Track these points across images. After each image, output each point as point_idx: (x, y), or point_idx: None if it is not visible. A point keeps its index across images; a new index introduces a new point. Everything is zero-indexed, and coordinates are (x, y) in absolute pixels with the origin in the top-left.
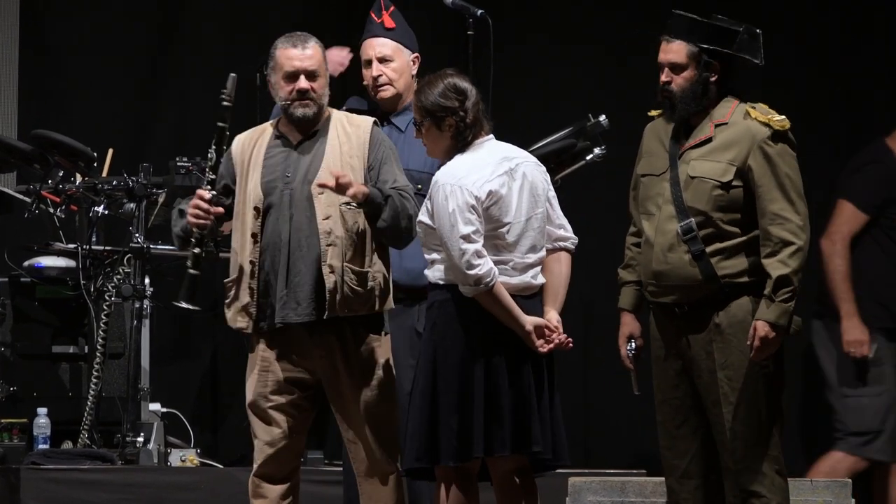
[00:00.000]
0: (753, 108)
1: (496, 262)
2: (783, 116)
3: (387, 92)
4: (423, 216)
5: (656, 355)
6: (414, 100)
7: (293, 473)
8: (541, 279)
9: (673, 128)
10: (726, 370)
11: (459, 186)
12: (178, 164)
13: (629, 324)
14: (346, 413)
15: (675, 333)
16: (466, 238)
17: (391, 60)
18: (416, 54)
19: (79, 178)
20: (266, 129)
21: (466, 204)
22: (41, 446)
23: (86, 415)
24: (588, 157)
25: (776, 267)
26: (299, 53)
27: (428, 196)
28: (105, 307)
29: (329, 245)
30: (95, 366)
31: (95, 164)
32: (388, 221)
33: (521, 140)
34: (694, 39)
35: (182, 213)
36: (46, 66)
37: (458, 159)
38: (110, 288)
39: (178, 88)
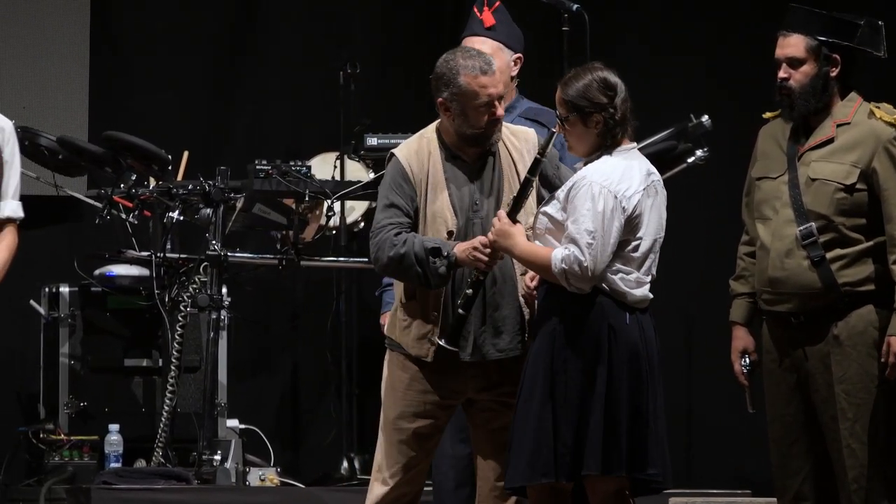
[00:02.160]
0: (878, 107)
1: (620, 271)
2: None
3: None
4: (549, 209)
5: (769, 369)
6: (558, 93)
7: (418, 497)
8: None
9: (791, 127)
10: (844, 384)
11: (609, 191)
12: (257, 167)
13: (742, 338)
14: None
15: (791, 345)
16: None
17: None
18: (519, 55)
19: (152, 183)
20: (430, 142)
21: (615, 210)
22: (113, 465)
23: (160, 431)
24: (690, 160)
25: None
26: (490, 80)
27: (564, 190)
28: (180, 318)
29: (522, 275)
30: (170, 380)
31: (170, 168)
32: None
33: None
34: (813, 32)
35: (436, 252)
36: (118, 66)
37: (609, 162)
38: (185, 298)
39: (255, 88)
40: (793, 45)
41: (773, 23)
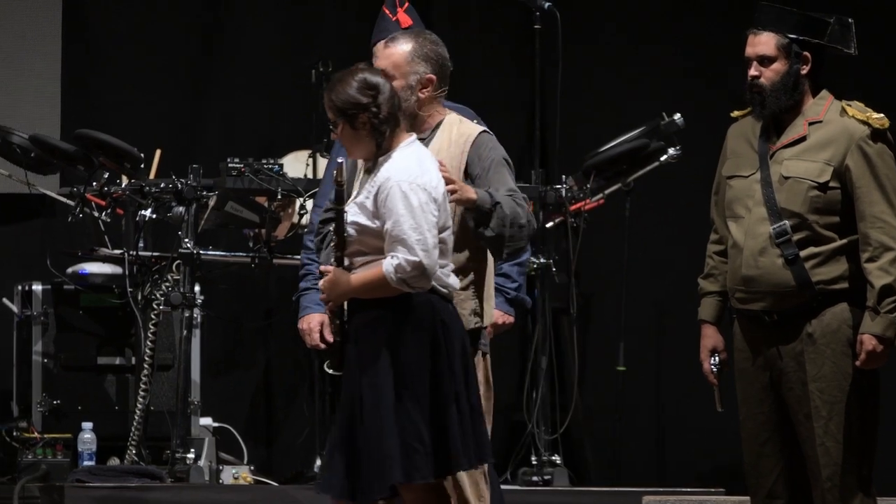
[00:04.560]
0: (850, 105)
1: (440, 264)
2: (882, 114)
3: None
4: (358, 218)
5: (741, 368)
6: (325, 99)
7: None
8: None
9: (762, 126)
10: (818, 382)
11: (417, 184)
12: (230, 165)
13: (712, 336)
14: None
15: (764, 343)
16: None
17: None
18: None
19: (125, 181)
20: None
21: (429, 202)
22: (86, 463)
23: (133, 430)
24: (662, 158)
25: (879, 276)
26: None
27: (369, 196)
28: (153, 316)
29: None
30: (143, 378)
31: (142, 166)
32: (494, 230)
33: (592, 139)
34: (783, 30)
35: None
36: (90, 64)
37: (402, 157)
38: (158, 296)
39: (227, 86)
40: (763, 42)
41: (744, 20)
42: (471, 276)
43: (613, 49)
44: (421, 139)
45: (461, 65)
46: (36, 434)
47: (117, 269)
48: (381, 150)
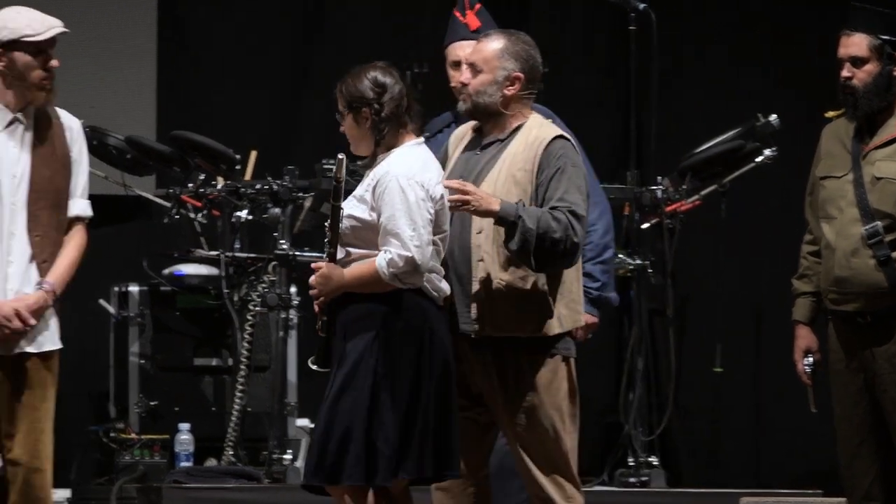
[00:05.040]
0: None
1: (433, 270)
2: None
3: None
4: (355, 211)
5: (836, 369)
6: (337, 89)
7: None
8: None
9: (855, 127)
10: None
11: (416, 181)
12: (325, 166)
13: (805, 337)
14: (508, 436)
15: (858, 345)
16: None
17: None
18: None
19: (220, 182)
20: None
21: (426, 199)
22: (184, 464)
23: (230, 431)
24: (758, 159)
25: None
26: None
27: (367, 189)
28: (249, 317)
29: (479, 261)
30: (240, 379)
31: (238, 167)
32: (517, 244)
33: (688, 141)
34: (875, 31)
35: None
36: (186, 65)
37: (405, 154)
38: (254, 297)
39: (324, 87)
40: (855, 44)
41: (839, 21)
42: (540, 280)
43: (709, 50)
44: (500, 140)
45: (556, 65)
46: (133, 435)
47: (213, 271)
48: (379, 147)
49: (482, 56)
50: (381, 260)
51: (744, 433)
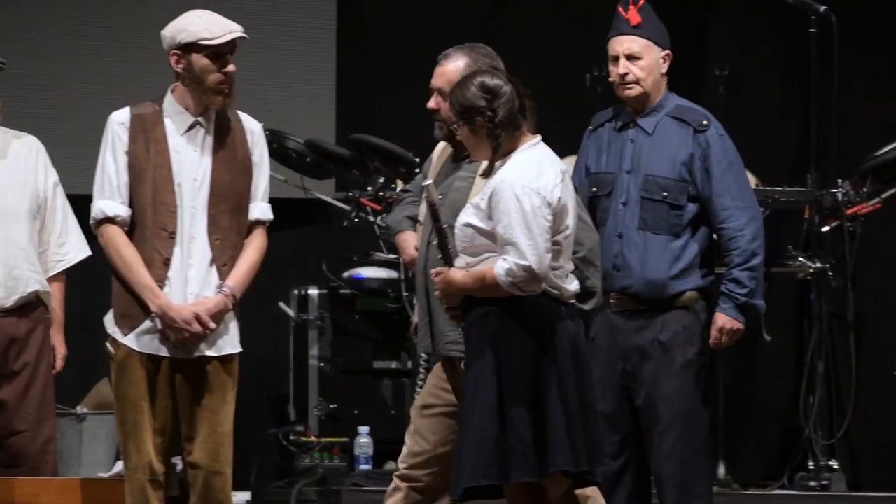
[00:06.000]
0: None
1: (552, 267)
2: None
3: (633, 90)
4: (472, 219)
5: None
6: (449, 99)
7: None
8: None
9: None
10: None
11: (531, 188)
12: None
13: None
14: None
15: None
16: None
17: (639, 58)
18: (668, 52)
19: (400, 185)
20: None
21: (542, 206)
22: (363, 466)
23: None
24: None
25: None
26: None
27: (483, 198)
28: None
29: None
30: (419, 382)
31: (417, 170)
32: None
33: (868, 144)
34: None
35: None
36: (365, 68)
37: (521, 160)
38: None
39: None
40: None
41: None
42: None
43: (890, 52)
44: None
45: (737, 67)
46: (313, 438)
47: (392, 274)
48: (497, 153)
49: (447, 80)
50: (500, 268)
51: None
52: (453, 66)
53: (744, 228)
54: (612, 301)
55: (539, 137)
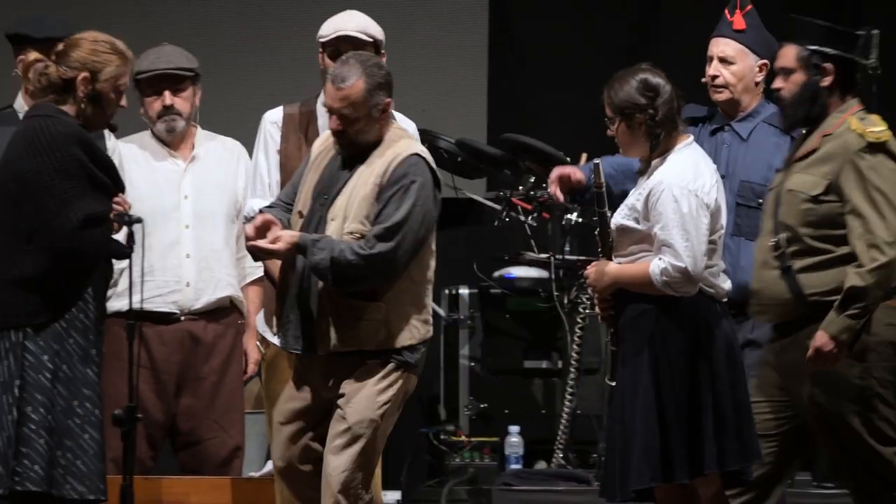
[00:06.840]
0: (863, 119)
1: (707, 266)
2: (883, 128)
3: (722, 94)
4: (625, 221)
5: None
6: (605, 96)
7: None
8: None
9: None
10: None
11: (690, 190)
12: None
13: None
14: None
15: None
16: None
17: (732, 63)
18: (765, 61)
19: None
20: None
21: (700, 208)
22: (513, 466)
23: (560, 433)
24: None
25: (852, 278)
26: (329, 91)
27: (639, 199)
28: (579, 320)
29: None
30: (570, 382)
31: None
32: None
33: None
34: (804, 42)
35: None
36: (517, 68)
37: (678, 161)
38: (584, 300)
39: None
40: (783, 55)
41: None
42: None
43: None
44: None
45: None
46: (463, 437)
47: (543, 274)
48: (655, 151)
49: (351, 102)
50: (655, 267)
51: None
52: (356, 89)
53: None
54: None
55: (692, 137)
